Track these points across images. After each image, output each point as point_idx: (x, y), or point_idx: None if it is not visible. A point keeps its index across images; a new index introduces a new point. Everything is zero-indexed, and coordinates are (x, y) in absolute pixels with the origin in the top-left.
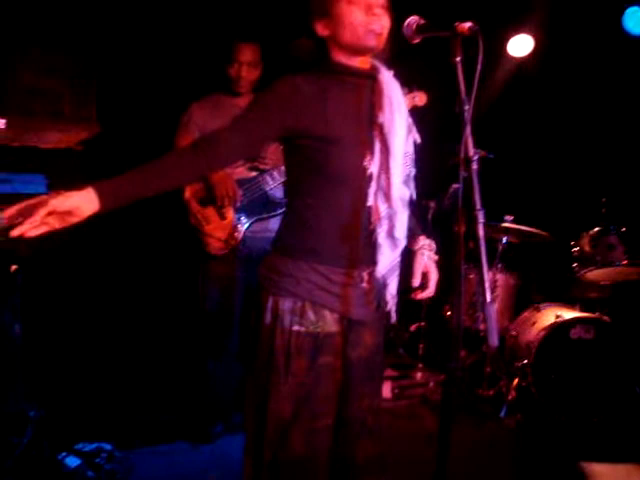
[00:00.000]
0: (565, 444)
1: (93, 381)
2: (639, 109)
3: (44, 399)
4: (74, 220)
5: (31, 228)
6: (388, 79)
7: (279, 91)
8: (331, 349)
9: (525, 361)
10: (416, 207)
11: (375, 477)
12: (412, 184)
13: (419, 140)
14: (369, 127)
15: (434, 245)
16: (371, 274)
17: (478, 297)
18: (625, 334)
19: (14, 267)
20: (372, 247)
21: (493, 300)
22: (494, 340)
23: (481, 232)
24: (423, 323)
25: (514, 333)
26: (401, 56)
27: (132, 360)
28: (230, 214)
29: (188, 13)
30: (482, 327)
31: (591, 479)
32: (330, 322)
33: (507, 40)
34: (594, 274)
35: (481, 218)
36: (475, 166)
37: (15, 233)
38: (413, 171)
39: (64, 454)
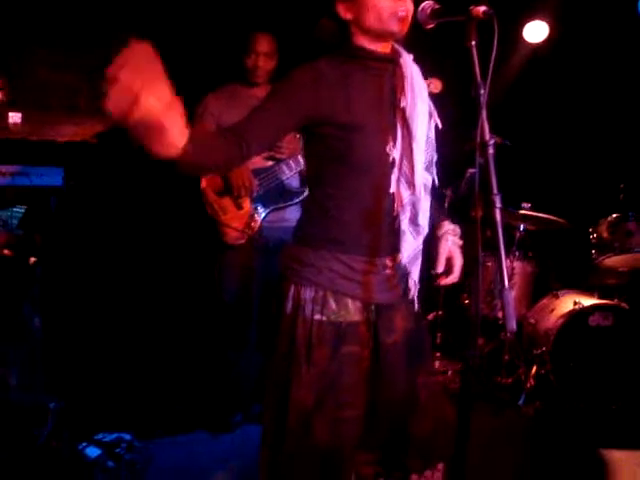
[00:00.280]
0: (584, 431)
1: (113, 372)
2: None
3: (64, 390)
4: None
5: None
6: (409, 63)
7: (300, 80)
8: (355, 338)
9: (543, 348)
10: (435, 194)
11: (431, 460)
12: (434, 170)
13: (440, 125)
14: (391, 112)
15: (458, 230)
16: (394, 261)
17: (496, 285)
18: None
19: (33, 259)
20: (395, 234)
21: (511, 286)
22: (512, 325)
23: (498, 217)
24: (441, 312)
25: (532, 321)
26: (415, 42)
27: (152, 351)
28: (247, 204)
29: (204, 4)
30: (500, 315)
31: (610, 466)
32: (353, 311)
33: (522, 26)
34: (612, 261)
35: (498, 203)
36: (491, 150)
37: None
38: (435, 156)
39: (84, 444)
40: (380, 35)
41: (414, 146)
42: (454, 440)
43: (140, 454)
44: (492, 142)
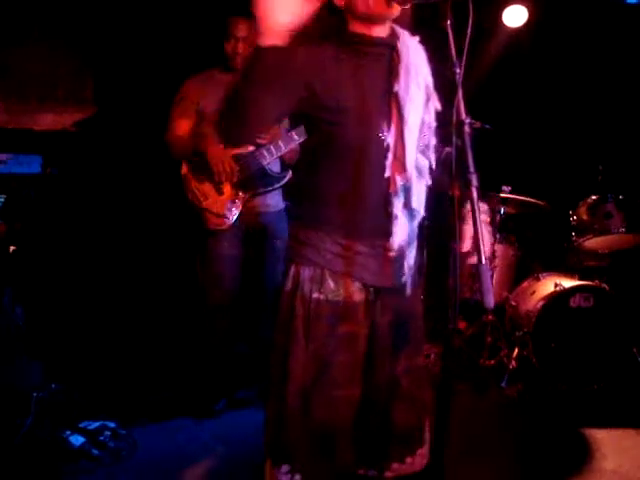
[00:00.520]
0: (566, 411)
1: (96, 360)
2: (634, 77)
3: (47, 379)
4: None
5: None
6: (408, 46)
7: (290, 58)
8: (353, 318)
9: (525, 330)
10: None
11: (411, 446)
12: (431, 154)
13: (439, 107)
14: (386, 97)
15: (485, 207)
16: (389, 244)
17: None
18: (624, 302)
19: (12, 248)
20: (391, 218)
21: (492, 269)
22: (490, 301)
23: (475, 195)
24: (422, 296)
25: (514, 303)
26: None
27: (134, 338)
28: (227, 189)
29: None
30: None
31: (592, 445)
32: (351, 291)
33: (501, 10)
34: (592, 242)
35: (475, 182)
36: (468, 129)
37: None
38: (433, 140)
39: (68, 433)
40: (371, 19)
41: (405, 131)
42: (433, 424)
43: (124, 441)
44: (468, 121)
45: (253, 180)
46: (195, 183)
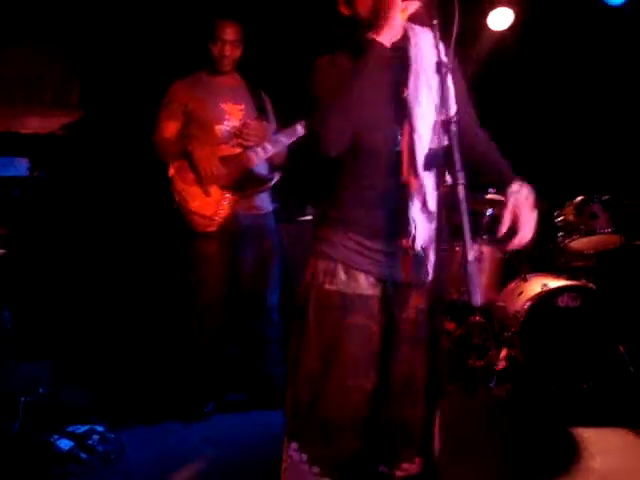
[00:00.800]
0: (554, 411)
1: (84, 363)
2: (619, 78)
3: (36, 383)
4: None
5: None
6: (420, 47)
7: (324, 63)
8: (364, 311)
9: (513, 330)
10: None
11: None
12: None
13: (454, 109)
14: (396, 103)
15: (528, 190)
16: (409, 244)
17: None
18: (611, 301)
19: (1, 251)
20: (409, 220)
21: (480, 270)
22: (477, 299)
23: (462, 193)
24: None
25: (502, 304)
26: None
27: (123, 341)
28: (215, 191)
29: None
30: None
31: (581, 444)
32: (364, 285)
33: (487, 13)
34: (578, 243)
35: (461, 179)
36: (454, 128)
37: None
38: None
39: (56, 436)
40: (380, 24)
41: (415, 137)
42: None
43: (113, 445)
44: (456, 119)
45: (240, 182)
46: (182, 185)
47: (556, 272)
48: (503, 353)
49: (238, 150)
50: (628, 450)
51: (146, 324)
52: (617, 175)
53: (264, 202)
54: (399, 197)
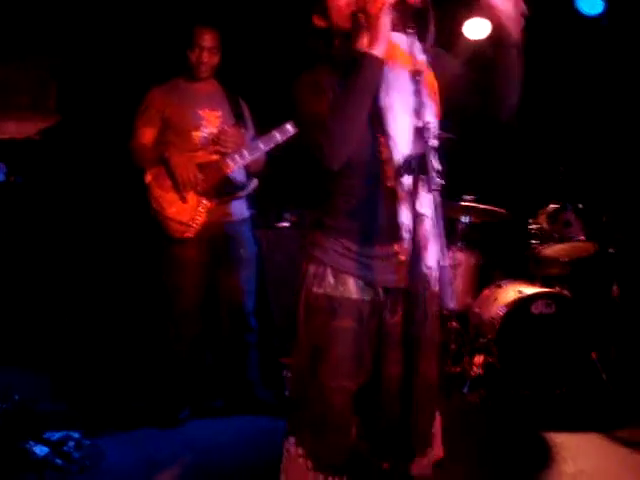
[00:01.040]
0: (528, 416)
1: (60, 369)
2: (593, 88)
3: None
4: None
5: None
6: (397, 52)
7: (307, 89)
8: (351, 314)
9: (489, 337)
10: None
11: (429, 441)
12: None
13: (435, 116)
14: (373, 109)
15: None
16: (402, 248)
17: None
18: (584, 308)
19: None
20: (398, 225)
21: (455, 276)
22: (449, 302)
23: (437, 199)
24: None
25: (477, 310)
26: None
27: (98, 346)
28: (192, 198)
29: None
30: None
31: (554, 449)
32: (352, 289)
33: (463, 22)
34: (553, 250)
35: (436, 185)
36: (430, 134)
37: None
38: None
39: (32, 443)
40: (356, 33)
41: (390, 142)
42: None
43: (89, 451)
44: (430, 126)
45: (217, 189)
46: (159, 191)
47: (531, 279)
48: (478, 359)
49: (215, 157)
50: (600, 454)
51: (122, 330)
52: (591, 183)
53: (241, 209)
54: (388, 203)
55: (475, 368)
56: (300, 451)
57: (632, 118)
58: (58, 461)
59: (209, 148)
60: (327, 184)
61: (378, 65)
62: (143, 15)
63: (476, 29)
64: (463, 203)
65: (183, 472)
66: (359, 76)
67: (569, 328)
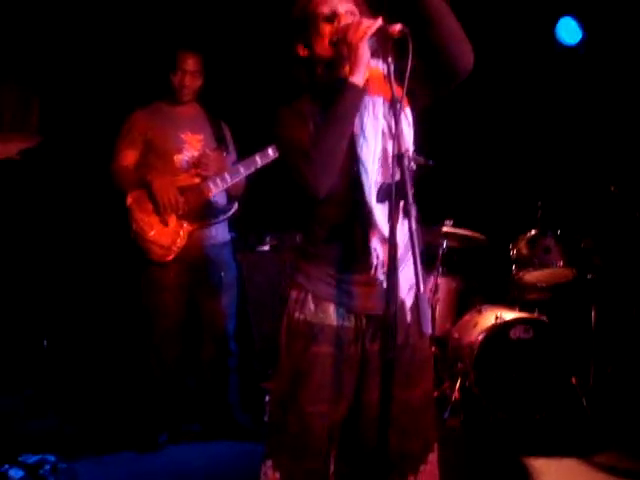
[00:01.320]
0: (507, 441)
1: (35, 391)
2: (572, 115)
3: None
4: None
5: None
6: (370, 78)
7: (289, 121)
8: (330, 340)
9: (467, 362)
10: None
11: (412, 466)
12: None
13: (408, 141)
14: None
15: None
16: (374, 275)
17: None
18: (563, 333)
19: None
20: (369, 251)
21: (435, 302)
22: (427, 327)
23: (414, 225)
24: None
25: (456, 335)
26: None
27: (76, 369)
28: (173, 221)
29: (130, 23)
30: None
31: (533, 474)
32: (332, 315)
33: None
34: (532, 276)
35: (414, 212)
36: (407, 162)
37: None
38: (409, 170)
39: (7, 466)
40: (337, 62)
41: (361, 168)
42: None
43: (65, 475)
44: (408, 154)
45: (199, 212)
46: (140, 214)
47: (510, 304)
48: (457, 384)
49: (197, 180)
50: (579, 479)
51: (101, 352)
52: (570, 209)
53: (222, 232)
54: (360, 229)
55: (454, 393)
56: (277, 475)
57: (609, 144)
58: None
59: (191, 171)
60: (305, 211)
61: (358, 93)
62: (126, 38)
63: None
64: (443, 228)
65: None
66: (339, 104)
67: (547, 353)
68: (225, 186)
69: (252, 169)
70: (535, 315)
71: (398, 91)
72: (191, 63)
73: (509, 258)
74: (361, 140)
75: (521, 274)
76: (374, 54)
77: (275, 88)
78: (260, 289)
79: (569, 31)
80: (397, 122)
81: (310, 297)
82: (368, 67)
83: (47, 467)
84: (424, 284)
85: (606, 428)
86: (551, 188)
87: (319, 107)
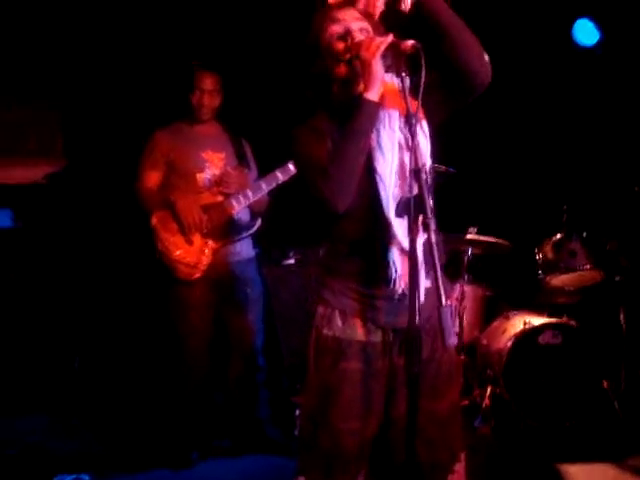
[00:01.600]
0: (539, 447)
1: (71, 411)
2: (594, 118)
3: (21, 433)
4: None
5: None
6: (385, 92)
7: (305, 140)
8: (358, 356)
9: (496, 369)
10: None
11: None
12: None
13: (429, 156)
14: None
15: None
16: (395, 288)
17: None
18: (592, 337)
19: None
20: (388, 264)
21: (462, 310)
22: (451, 339)
23: (434, 238)
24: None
25: (485, 342)
26: None
27: (109, 390)
28: (197, 239)
29: (149, 44)
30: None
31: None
32: (359, 330)
33: None
34: (558, 280)
35: (433, 226)
36: (424, 176)
37: None
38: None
39: None
40: (352, 79)
41: (378, 183)
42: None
43: None
44: (425, 168)
45: (222, 229)
46: (165, 234)
47: (538, 309)
48: (487, 391)
49: (220, 198)
50: None
51: (131, 372)
52: (595, 211)
53: (246, 248)
54: (380, 243)
55: (484, 400)
56: None
57: (631, 145)
58: None
59: (213, 190)
60: (325, 226)
61: (374, 108)
62: (146, 59)
63: None
64: (468, 236)
65: None
66: (355, 120)
67: (577, 358)
68: (247, 203)
69: (273, 185)
70: (564, 320)
71: (413, 105)
72: (209, 82)
73: (534, 263)
74: (378, 154)
75: (548, 278)
76: (389, 69)
77: (293, 105)
78: (286, 303)
79: (586, 32)
80: (413, 136)
81: (337, 313)
82: (383, 82)
83: None
84: (447, 296)
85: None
86: (575, 191)
87: (336, 124)
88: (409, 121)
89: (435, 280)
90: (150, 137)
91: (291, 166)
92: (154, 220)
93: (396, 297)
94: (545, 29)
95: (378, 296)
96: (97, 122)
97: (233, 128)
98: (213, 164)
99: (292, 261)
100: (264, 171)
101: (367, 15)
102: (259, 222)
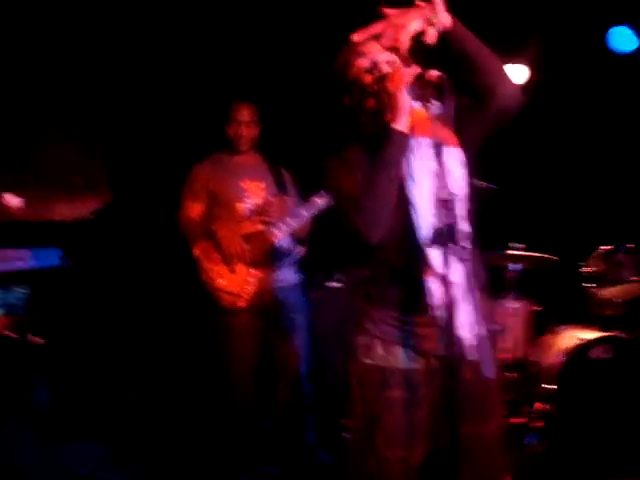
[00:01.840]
0: (592, 465)
1: (121, 440)
2: (635, 126)
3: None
4: None
5: None
6: (415, 120)
7: (340, 160)
8: (401, 384)
9: (547, 385)
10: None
11: None
12: (462, 220)
13: (464, 183)
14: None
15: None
16: (434, 316)
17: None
18: None
19: (39, 340)
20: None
21: (506, 328)
22: (487, 371)
23: (469, 267)
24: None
25: (534, 358)
26: None
27: (158, 418)
28: (240, 268)
29: (187, 77)
30: (500, 356)
31: None
32: (401, 358)
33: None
34: (606, 292)
35: (467, 255)
36: (455, 206)
37: None
38: (461, 214)
39: None
40: (380, 110)
41: (412, 212)
42: None
43: None
44: (459, 196)
45: (265, 258)
46: (208, 264)
47: (586, 323)
48: (538, 408)
49: (261, 227)
50: None
51: (181, 400)
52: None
53: (290, 275)
54: (417, 272)
55: (535, 417)
56: None
57: None
58: None
59: (254, 219)
60: (363, 256)
61: (402, 138)
62: (183, 92)
63: (515, 76)
64: (512, 252)
65: None
66: (385, 151)
67: (630, 372)
68: (289, 230)
69: (314, 211)
70: (614, 333)
71: (445, 133)
72: (245, 114)
73: (579, 276)
74: (410, 183)
75: (595, 291)
76: (419, 97)
77: (327, 135)
78: (331, 325)
79: (624, 39)
80: (441, 165)
81: (378, 341)
82: (412, 112)
83: None
84: (486, 324)
85: None
86: (619, 202)
87: (367, 156)
88: (437, 150)
89: (474, 309)
90: (191, 170)
91: None
92: (197, 251)
93: (436, 324)
94: (583, 40)
95: (418, 323)
96: (140, 156)
97: (274, 158)
98: (253, 193)
99: (336, 283)
100: (305, 197)
101: (393, 48)
102: (302, 248)
